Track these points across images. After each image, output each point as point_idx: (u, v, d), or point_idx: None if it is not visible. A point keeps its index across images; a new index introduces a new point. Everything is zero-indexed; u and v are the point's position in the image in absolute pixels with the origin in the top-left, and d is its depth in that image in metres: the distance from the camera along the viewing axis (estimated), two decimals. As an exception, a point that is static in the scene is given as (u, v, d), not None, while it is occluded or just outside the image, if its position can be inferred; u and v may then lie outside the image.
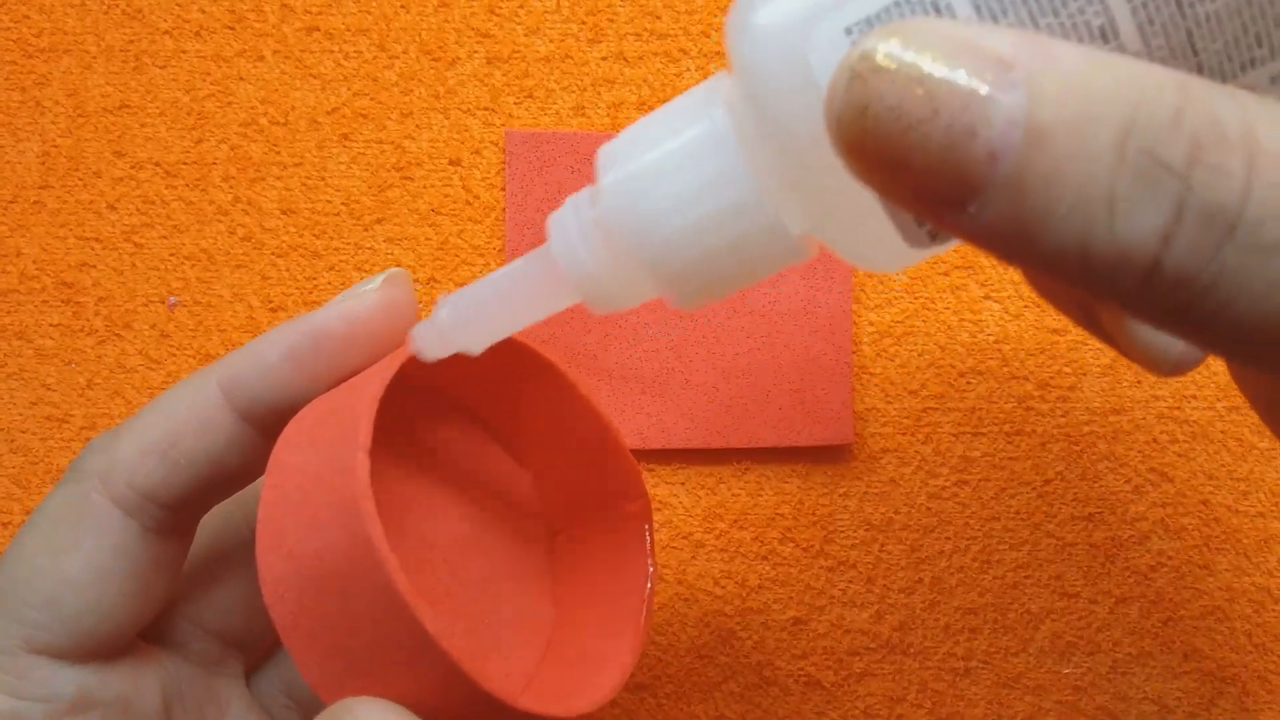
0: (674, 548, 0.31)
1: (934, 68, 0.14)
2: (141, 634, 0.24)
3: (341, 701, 0.20)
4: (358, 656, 0.20)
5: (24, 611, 0.22)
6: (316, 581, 0.20)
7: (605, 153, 0.19)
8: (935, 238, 0.17)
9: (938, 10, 0.15)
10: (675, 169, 0.18)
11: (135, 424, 0.23)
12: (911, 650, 0.31)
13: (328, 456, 0.20)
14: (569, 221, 0.19)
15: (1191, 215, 0.13)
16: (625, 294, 0.20)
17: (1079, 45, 0.14)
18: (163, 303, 0.32)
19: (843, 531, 0.31)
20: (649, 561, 0.25)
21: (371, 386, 0.20)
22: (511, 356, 0.24)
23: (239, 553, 0.25)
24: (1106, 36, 0.15)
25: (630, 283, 0.19)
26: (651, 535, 0.25)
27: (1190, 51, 0.15)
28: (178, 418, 0.23)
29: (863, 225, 0.17)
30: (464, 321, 0.21)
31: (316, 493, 0.20)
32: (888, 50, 0.14)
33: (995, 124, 0.14)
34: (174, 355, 0.32)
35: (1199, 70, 0.15)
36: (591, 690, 0.22)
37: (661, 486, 0.32)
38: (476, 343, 0.21)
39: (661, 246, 0.18)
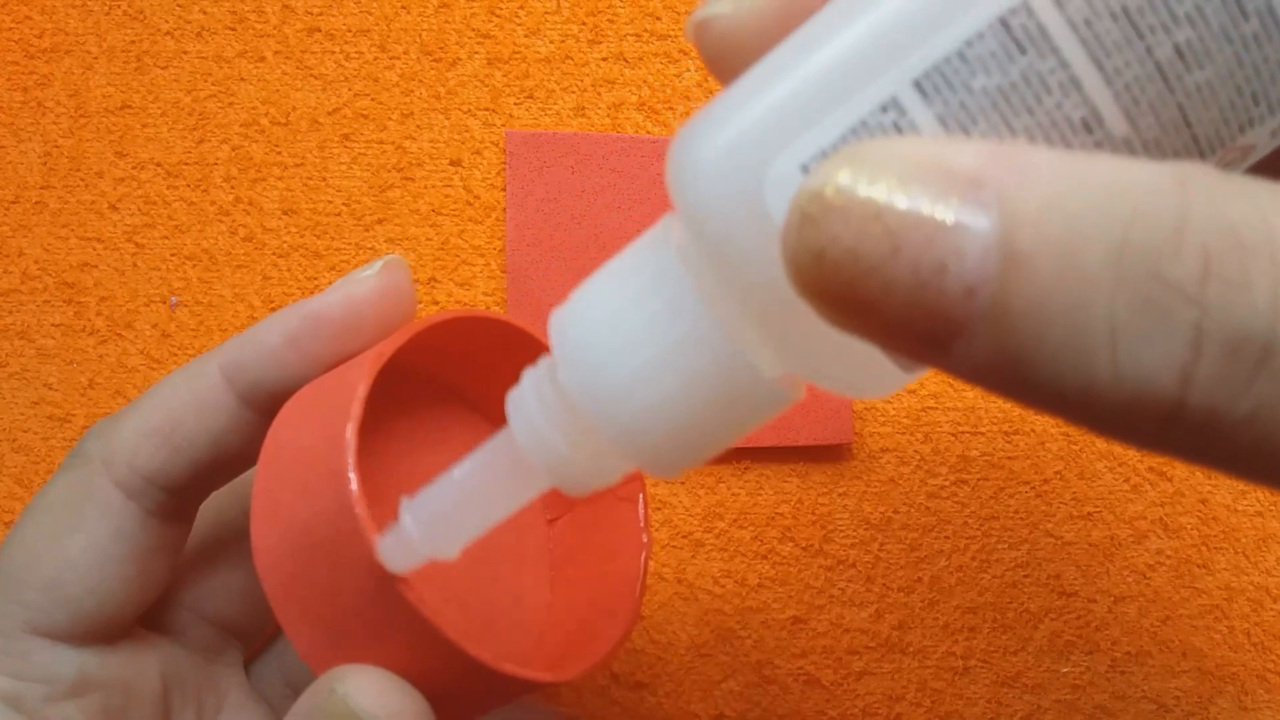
0: (674, 546, 0.32)
1: (891, 198, 0.12)
2: (142, 621, 0.24)
3: (331, 670, 0.20)
4: (346, 626, 0.20)
5: (25, 593, 0.22)
6: (306, 551, 0.20)
7: (558, 323, 0.17)
8: (959, 379, 0.15)
9: (899, 130, 0.14)
10: (635, 336, 0.16)
11: (136, 408, 0.23)
12: (910, 649, 0.31)
13: (320, 430, 0.21)
14: (530, 402, 0.18)
15: (1213, 345, 0.11)
16: (601, 473, 0.18)
17: (1057, 151, 0.13)
18: (164, 303, 0.32)
19: (842, 530, 0.32)
20: (643, 535, 0.25)
21: (366, 365, 0.21)
22: (507, 341, 0.24)
23: (239, 542, 0.25)
24: (1090, 127, 0.14)
25: (605, 461, 0.17)
26: (646, 509, 0.25)
27: (1183, 124, 0.14)
28: (179, 401, 0.23)
29: (847, 359, 0.15)
30: (431, 531, 0.19)
31: (308, 464, 0.20)
32: (837, 185, 0.12)
33: (967, 255, 0.12)
34: (175, 355, 0.32)
35: (1195, 143, 0.14)
36: (579, 659, 0.23)
37: (661, 485, 0.32)
38: (448, 550, 0.19)
39: (632, 421, 0.16)
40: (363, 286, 0.23)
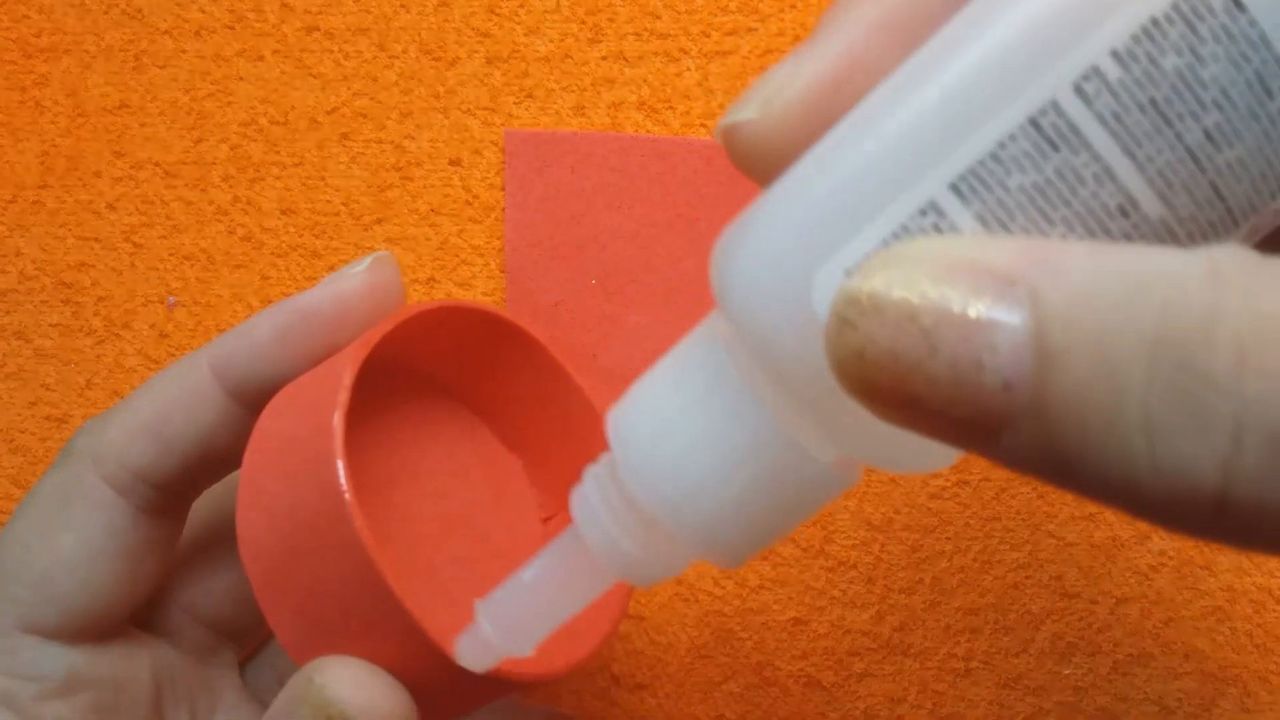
0: (674, 548, 0.31)
1: (924, 299, 0.12)
2: (136, 622, 0.24)
3: (312, 661, 0.20)
4: (329, 616, 0.20)
5: (15, 590, 0.22)
6: (290, 538, 0.20)
7: (617, 427, 0.18)
8: (1010, 469, 0.16)
9: (939, 231, 0.14)
10: (697, 439, 0.17)
11: (127, 406, 0.23)
12: (912, 651, 0.31)
13: (307, 419, 0.21)
14: (595, 505, 0.18)
15: (1255, 436, 0.11)
16: (669, 566, 0.18)
17: (1087, 244, 0.13)
18: (162, 303, 0.32)
19: (843, 531, 0.31)
20: None
21: (352, 354, 0.21)
22: (494, 332, 0.24)
23: (232, 542, 0.25)
24: (1126, 212, 0.14)
25: (673, 556, 0.18)
26: None
27: (1216, 199, 0.14)
28: (169, 398, 0.23)
29: (900, 443, 0.16)
30: (507, 633, 0.19)
31: (293, 452, 0.21)
32: (872, 290, 0.13)
33: (1001, 351, 0.12)
34: (173, 355, 0.32)
35: (1229, 214, 0.14)
36: (561, 658, 0.23)
37: (661, 486, 0.32)
38: (524, 646, 0.20)
39: (700, 523, 0.17)
40: (351, 282, 0.23)
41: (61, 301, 0.32)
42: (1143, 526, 0.31)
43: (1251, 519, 0.11)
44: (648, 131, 0.32)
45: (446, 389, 0.27)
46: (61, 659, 0.22)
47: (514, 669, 0.21)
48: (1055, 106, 0.14)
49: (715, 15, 0.32)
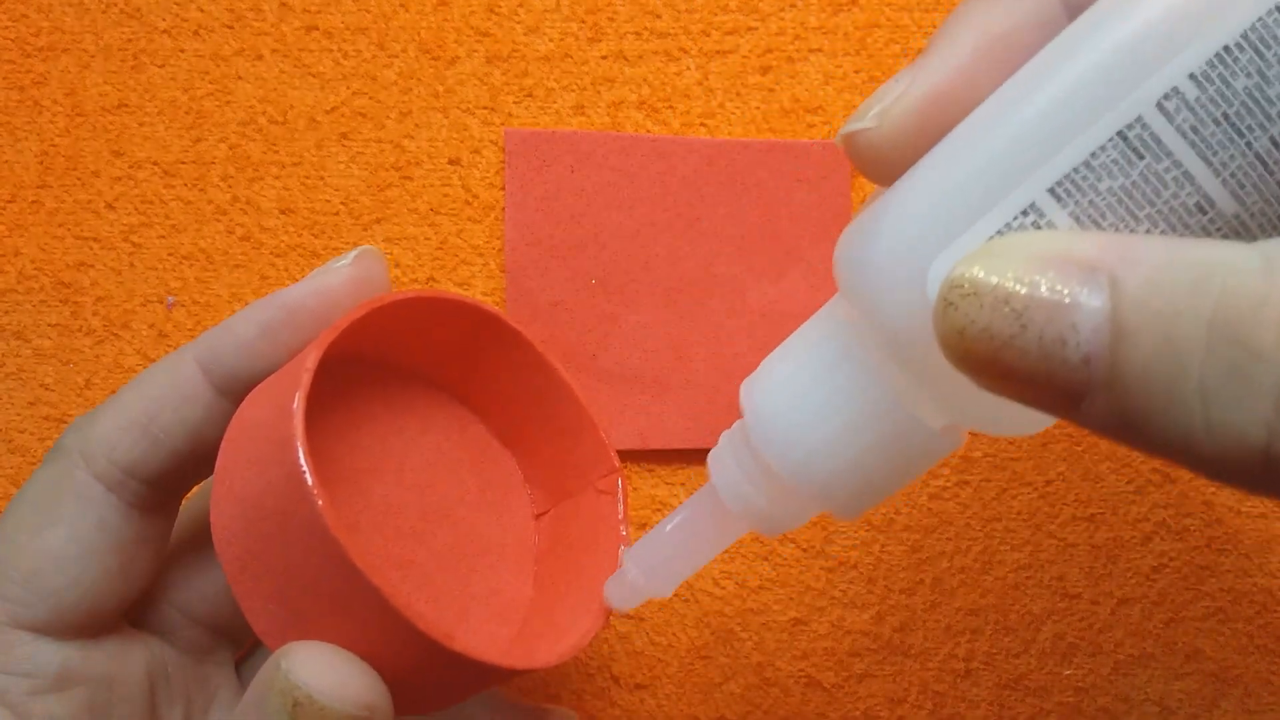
0: (674, 548, 0.31)
1: (1017, 284, 0.15)
2: (129, 620, 0.24)
3: (282, 647, 0.20)
4: (298, 601, 0.20)
5: (6, 587, 0.22)
6: (259, 523, 0.20)
7: (751, 397, 0.20)
8: (1089, 431, 0.18)
9: (1038, 228, 0.16)
10: (822, 408, 0.19)
11: (115, 402, 0.23)
12: (912, 651, 0.31)
13: (272, 403, 0.21)
14: (729, 464, 0.21)
15: None
16: (796, 517, 0.21)
17: (1162, 238, 0.15)
18: (161, 302, 0.32)
19: (843, 532, 0.31)
20: (621, 529, 0.25)
21: (320, 340, 0.21)
22: (487, 332, 0.24)
23: None
24: (1204, 209, 0.16)
25: (800, 509, 0.21)
26: (625, 503, 0.25)
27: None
28: (156, 393, 0.23)
29: (1000, 409, 0.18)
30: (651, 574, 0.23)
31: (260, 438, 0.21)
32: (972, 276, 0.15)
33: (1082, 329, 0.14)
34: (172, 355, 0.32)
35: None
36: (544, 651, 0.23)
37: (661, 487, 0.31)
38: (664, 589, 0.23)
39: (826, 481, 0.20)
40: (336, 277, 0.23)
41: (60, 301, 0.32)
42: (1145, 528, 0.31)
43: None
44: (648, 131, 0.32)
45: (440, 384, 0.27)
46: (54, 655, 0.22)
47: (478, 653, 0.20)
48: (1141, 121, 0.16)
49: (715, 15, 0.32)
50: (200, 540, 0.26)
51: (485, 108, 0.32)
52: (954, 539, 0.31)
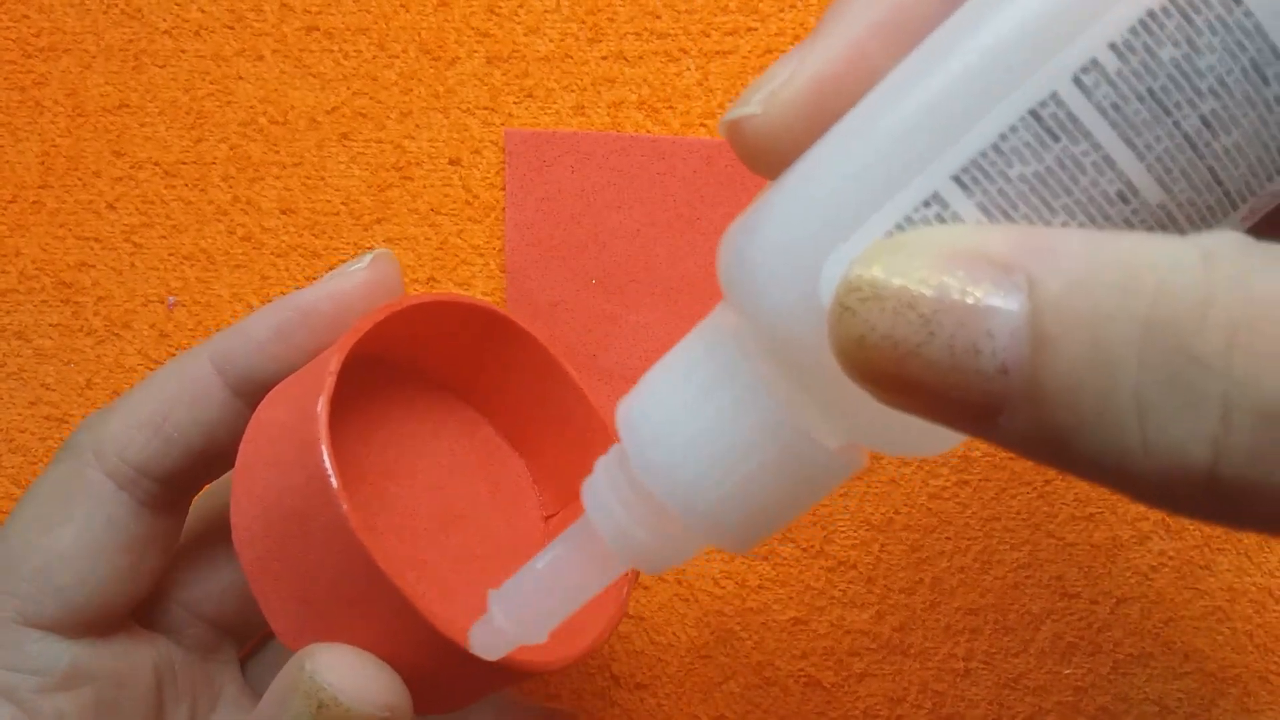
0: (674, 548, 0.31)
1: (922, 286, 0.13)
2: (137, 618, 0.24)
3: (304, 648, 0.20)
4: (319, 602, 0.20)
5: (17, 584, 0.22)
6: (280, 524, 0.20)
7: (627, 418, 0.18)
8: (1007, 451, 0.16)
9: (942, 221, 0.15)
10: (706, 428, 0.17)
11: (128, 400, 0.23)
12: (912, 651, 0.31)
13: (295, 407, 0.21)
14: (606, 494, 0.19)
15: (1243, 417, 0.11)
16: (679, 552, 0.19)
17: (1084, 232, 0.13)
18: (162, 302, 0.32)
19: (843, 531, 0.31)
20: None
21: (341, 343, 0.21)
22: (487, 326, 0.25)
23: (232, 541, 0.26)
24: (1126, 198, 0.14)
25: (685, 542, 0.19)
26: None
27: (1214, 183, 0.14)
28: (170, 393, 0.23)
29: (904, 427, 0.16)
30: (520, 619, 0.20)
31: (282, 439, 0.21)
32: (872, 276, 0.13)
33: (998, 336, 0.13)
34: (173, 355, 0.32)
35: (1226, 197, 0.15)
36: (557, 652, 0.23)
37: (661, 486, 0.32)
38: (537, 634, 0.20)
39: (711, 510, 0.17)
40: (351, 280, 0.23)
41: (61, 301, 0.32)
42: (1143, 527, 0.31)
43: (1241, 496, 0.12)
44: (648, 131, 0.32)
45: (447, 384, 0.27)
46: (63, 653, 0.22)
47: (512, 659, 0.21)
48: (1055, 98, 0.14)
49: (715, 15, 0.32)
50: (207, 539, 0.26)
51: (485, 108, 0.32)
52: (953, 538, 0.31)
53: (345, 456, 0.21)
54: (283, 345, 0.23)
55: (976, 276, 0.13)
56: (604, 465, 0.19)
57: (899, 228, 0.15)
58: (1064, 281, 0.12)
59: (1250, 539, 0.31)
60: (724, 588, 0.31)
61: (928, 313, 0.13)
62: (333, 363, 0.21)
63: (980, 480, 0.32)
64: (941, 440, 0.17)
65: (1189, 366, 0.12)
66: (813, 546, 0.31)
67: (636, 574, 0.25)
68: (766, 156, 0.17)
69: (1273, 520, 0.12)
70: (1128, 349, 0.12)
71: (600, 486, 0.19)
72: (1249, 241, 0.12)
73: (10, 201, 0.32)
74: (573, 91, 0.32)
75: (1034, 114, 0.14)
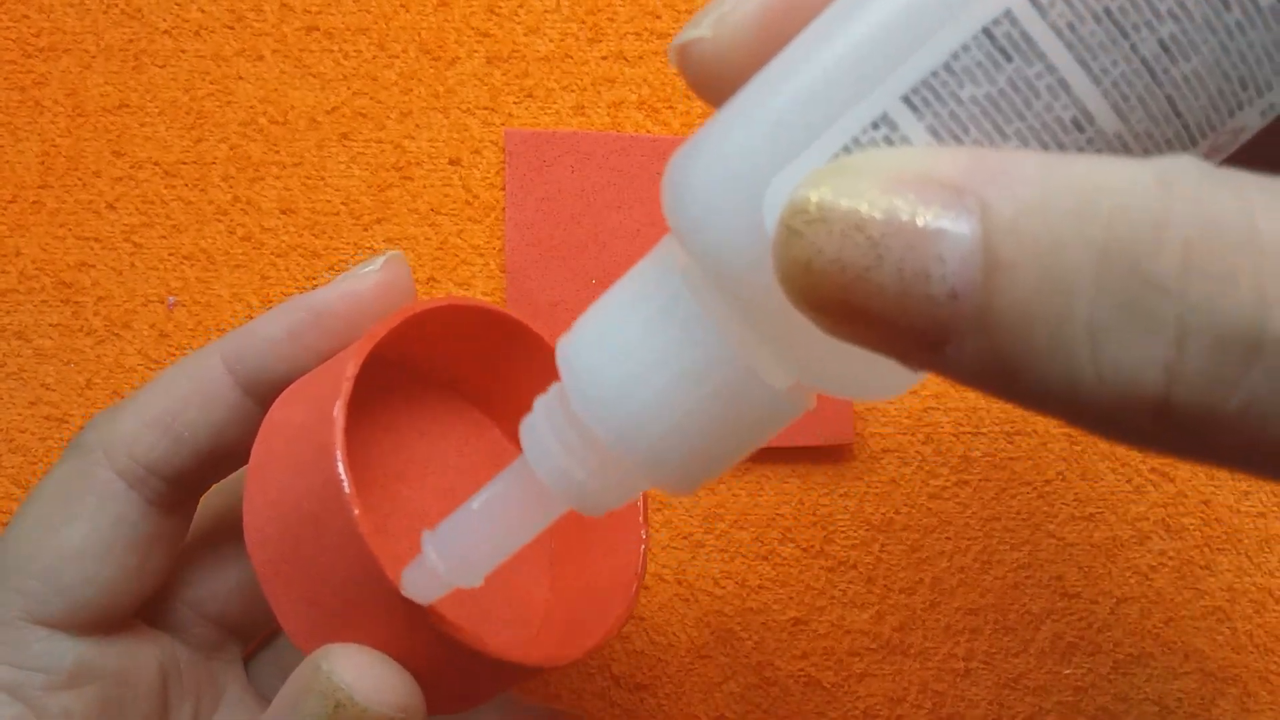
0: (674, 548, 0.31)
1: (872, 208, 0.12)
2: (141, 617, 0.24)
3: (317, 649, 0.20)
4: (332, 604, 0.20)
5: (24, 582, 0.22)
6: (294, 527, 0.20)
7: (566, 353, 0.17)
8: (954, 382, 0.15)
9: (891, 144, 0.14)
10: (647, 363, 0.16)
11: (138, 398, 0.23)
12: (912, 651, 0.31)
13: (310, 410, 0.21)
14: (544, 432, 0.18)
15: (1197, 340, 0.11)
16: (618, 493, 0.18)
17: (1038, 155, 0.13)
18: (162, 302, 0.32)
19: (843, 531, 0.31)
20: (642, 531, 0.25)
21: (358, 348, 0.21)
22: (501, 330, 0.25)
23: (238, 540, 0.26)
24: (1081, 126, 0.14)
25: (623, 484, 0.18)
26: (645, 505, 0.25)
27: (1173, 114, 0.14)
28: (180, 391, 0.23)
29: (851, 364, 0.16)
30: (454, 563, 0.19)
31: (297, 441, 0.21)
32: (819, 198, 0.13)
33: (948, 260, 0.12)
34: (173, 355, 0.32)
35: (1185, 130, 0.14)
36: (566, 649, 0.23)
37: (661, 486, 0.32)
38: (474, 577, 0.19)
39: (650, 447, 0.17)
40: (364, 282, 0.23)
41: (61, 301, 0.32)
42: (1143, 527, 0.31)
43: (1193, 424, 0.12)
44: (648, 131, 0.32)
45: (456, 388, 0.27)
46: (70, 651, 0.22)
47: (510, 655, 0.21)
48: (1010, 16, 0.14)
49: (715, 15, 0.32)
50: (213, 538, 0.26)
51: (485, 108, 0.32)
52: (953, 539, 0.31)
53: (358, 459, 0.21)
54: (295, 346, 0.23)
55: (927, 199, 0.12)
56: (542, 403, 0.18)
57: (846, 151, 0.14)
58: (1017, 205, 0.12)
59: (1249, 540, 0.31)
60: (724, 588, 0.31)
61: (876, 235, 0.12)
62: (350, 367, 0.21)
63: (980, 480, 0.32)
64: (889, 381, 0.16)
65: (1143, 290, 0.11)
66: (813, 546, 0.31)
67: (643, 575, 0.25)
68: (715, 82, 0.16)
69: (1221, 451, 0.12)
70: (1082, 274, 0.12)
71: (538, 425, 0.18)
72: (1207, 166, 0.12)
73: (10, 201, 0.32)
74: (573, 91, 0.32)
75: (987, 32, 0.14)
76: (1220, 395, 0.11)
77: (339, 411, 0.20)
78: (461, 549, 0.19)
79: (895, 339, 0.13)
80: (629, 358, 0.17)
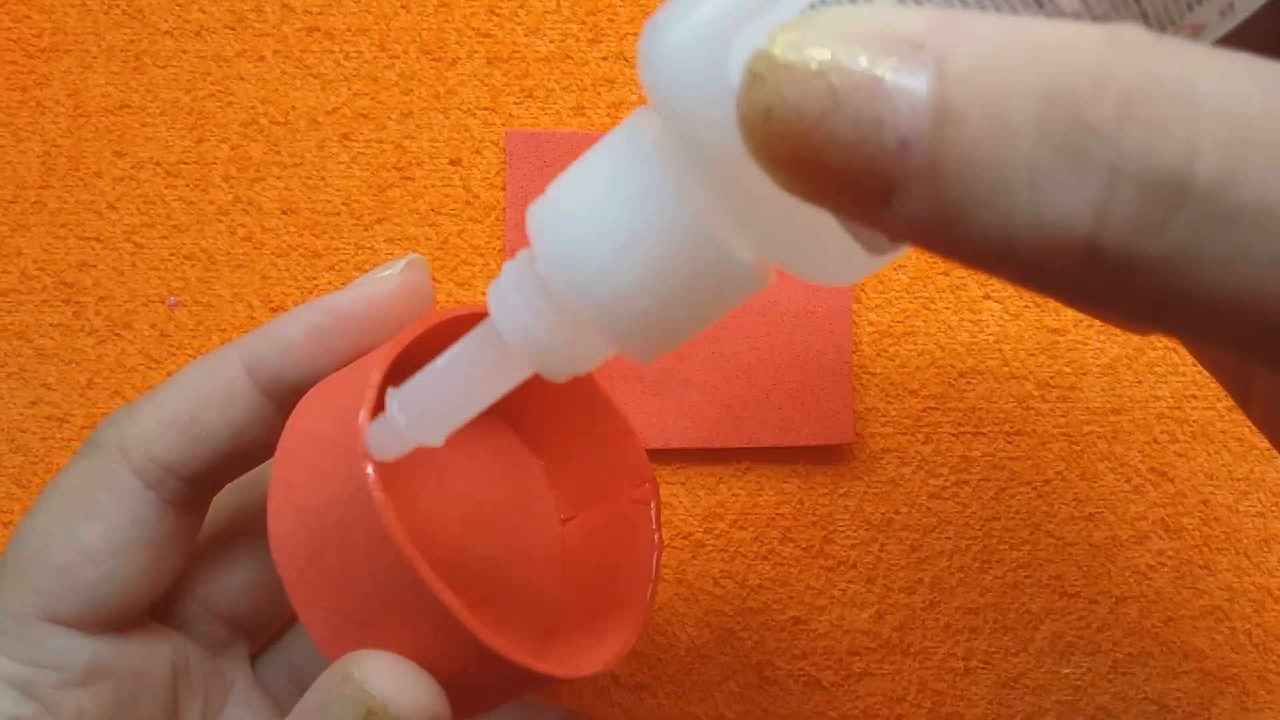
0: (674, 547, 0.31)
1: (835, 57, 0.13)
2: (151, 613, 0.24)
3: (345, 656, 0.20)
4: (360, 611, 0.20)
5: (39, 580, 0.22)
6: (320, 535, 0.20)
7: (536, 214, 0.18)
8: (896, 239, 0.15)
9: (854, 3, 0.14)
10: (611, 220, 0.17)
11: (156, 397, 0.23)
12: (911, 650, 0.31)
13: (335, 417, 0.21)
14: (509, 291, 0.18)
15: (1128, 185, 0.12)
16: (580, 358, 0.19)
17: (1000, 16, 0.13)
18: (163, 302, 0.32)
19: (843, 531, 0.31)
20: (655, 537, 0.25)
21: (381, 355, 0.21)
22: None
23: (249, 538, 0.26)
24: (1041, 2, 0.14)
25: (584, 345, 0.18)
26: (658, 511, 0.25)
27: (1131, 1, 0.14)
28: (200, 392, 0.23)
29: (816, 240, 0.16)
30: (419, 417, 0.19)
31: (323, 450, 0.21)
32: (786, 43, 0.13)
33: (902, 110, 0.12)
34: (174, 355, 0.32)
35: (1144, 19, 0.14)
36: (589, 656, 0.23)
37: (661, 486, 0.32)
38: (435, 435, 0.20)
39: (610, 303, 0.17)
40: (385, 285, 0.23)
41: (63, 301, 0.32)
42: (1143, 526, 0.31)
43: (1119, 269, 0.12)
44: (648, 132, 0.32)
45: None
46: (84, 649, 0.22)
47: (540, 666, 0.21)
48: None
49: (715, 16, 0.32)
50: (224, 536, 0.26)
51: (486, 108, 0.32)
52: (953, 538, 0.31)
53: (379, 466, 0.21)
54: (316, 348, 0.23)
55: (888, 51, 0.13)
56: (511, 266, 0.18)
57: (811, 7, 0.14)
58: (971, 58, 0.12)
59: (1248, 539, 0.31)
60: (724, 588, 0.31)
61: (836, 83, 0.13)
62: (375, 375, 0.21)
63: (980, 480, 0.32)
64: (849, 263, 0.16)
65: (1081, 135, 0.12)
66: (813, 546, 0.31)
67: (656, 585, 0.25)
68: None
69: (1141, 300, 0.12)
70: (1025, 121, 0.12)
71: (505, 286, 0.18)
72: (1157, 33, 0.13)
73: (11, 201, 0.33)
74: (573, 92, 0.32)
75: None
76: (1145, 238, 0.12)
77: (363, 419, 0.20)
78: (425, 406, 0.19)
79: (846, 190, 0.13)
80: (592, 214, 0.17)
